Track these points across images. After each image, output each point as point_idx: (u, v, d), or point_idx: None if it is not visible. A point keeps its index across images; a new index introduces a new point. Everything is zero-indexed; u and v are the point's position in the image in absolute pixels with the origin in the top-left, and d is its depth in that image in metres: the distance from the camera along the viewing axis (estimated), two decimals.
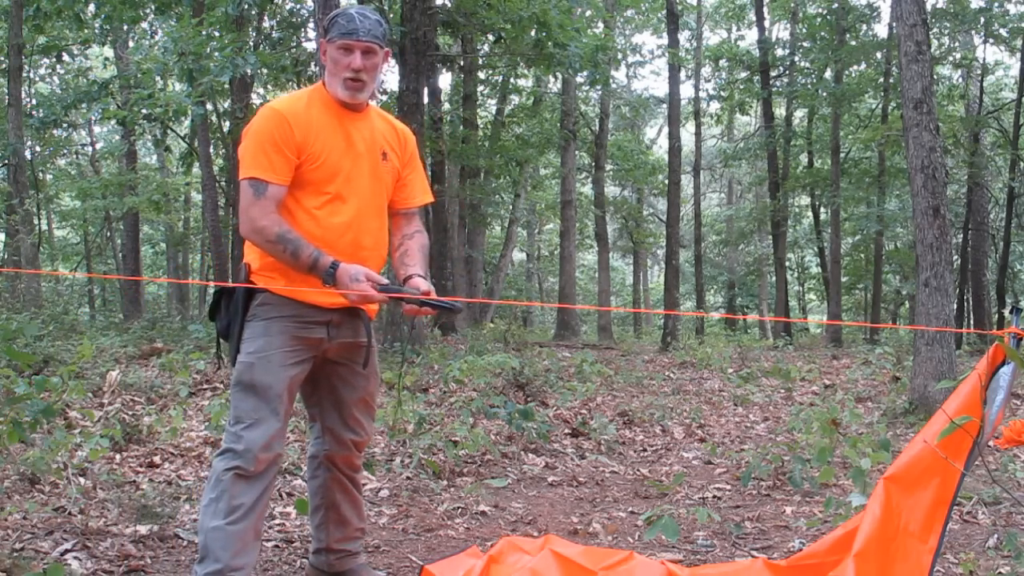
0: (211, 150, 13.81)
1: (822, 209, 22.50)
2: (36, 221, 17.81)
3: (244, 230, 2.48)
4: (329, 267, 2.42)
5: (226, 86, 12.75)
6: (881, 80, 18.75)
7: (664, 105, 22.15)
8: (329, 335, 2.59)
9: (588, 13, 16.04)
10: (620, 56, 21.69)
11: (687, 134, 24.49)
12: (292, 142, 2.47)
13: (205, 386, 6.81)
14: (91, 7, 12.03)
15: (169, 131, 15.13)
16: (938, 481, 2.31)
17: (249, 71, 10.31)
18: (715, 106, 22.60)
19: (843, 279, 22.39)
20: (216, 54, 9.50)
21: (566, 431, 6.08)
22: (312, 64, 13.50)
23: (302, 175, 2.51)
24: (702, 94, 22.44)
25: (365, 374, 2.72)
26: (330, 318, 2.59)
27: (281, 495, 4.07)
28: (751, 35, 23.61)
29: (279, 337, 2.51)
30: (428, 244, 2.78)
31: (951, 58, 19.45)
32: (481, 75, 19.38)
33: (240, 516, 2.42)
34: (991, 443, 2.50)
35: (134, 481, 4.09)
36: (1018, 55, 18.54)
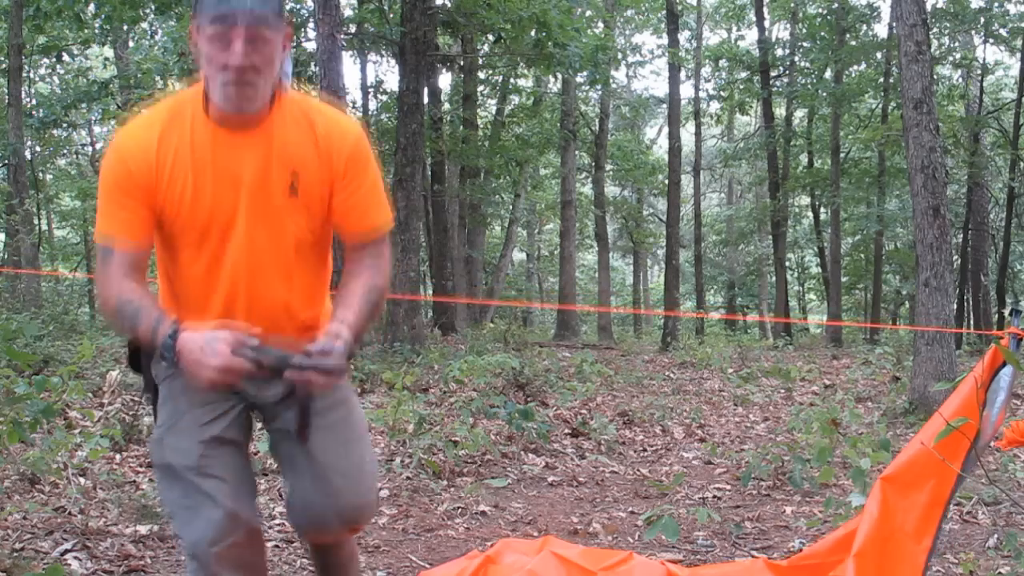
0: None
1: (822, 209, 22.50)
2: (36, 221, 17.80)
3: (98, 304, 1.91)
4: (168, 336, 1.73)
5: None
6: (881, 80, 18.75)
7: (664, 105, 22.15)
8: (254, 388, 1.92)
9: (588, 13, 16.05)
10: (620, 56, 21.67)
11: (687, 134, 24.48)
12: (136, 187, 1.82)
13: None
14: (91, 7, 12.02)
15: None
16: (934, 482, 2.31)
17: None
18: (715, 106, 22.60)
19: (843, 279, 22.39)
20: None
21: (566, 431, 6.08)
22: (312, 64, 13.47)
23: (162, 229, 1.89)
24: (702, 94, 22.44)
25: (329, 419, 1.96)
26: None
27: (281, 495, 4.07)
28: (751, 35, 23.62)
29: (184, 396, 1.90)
30: (380, 284, 1.96)
31: (951, 58, 19.44)
32: (481, 75, 19.38)
33: None
34: (992, 444, 2.50)
35: (134, 481, 4.09)
36: (1018, 55, 18.53)
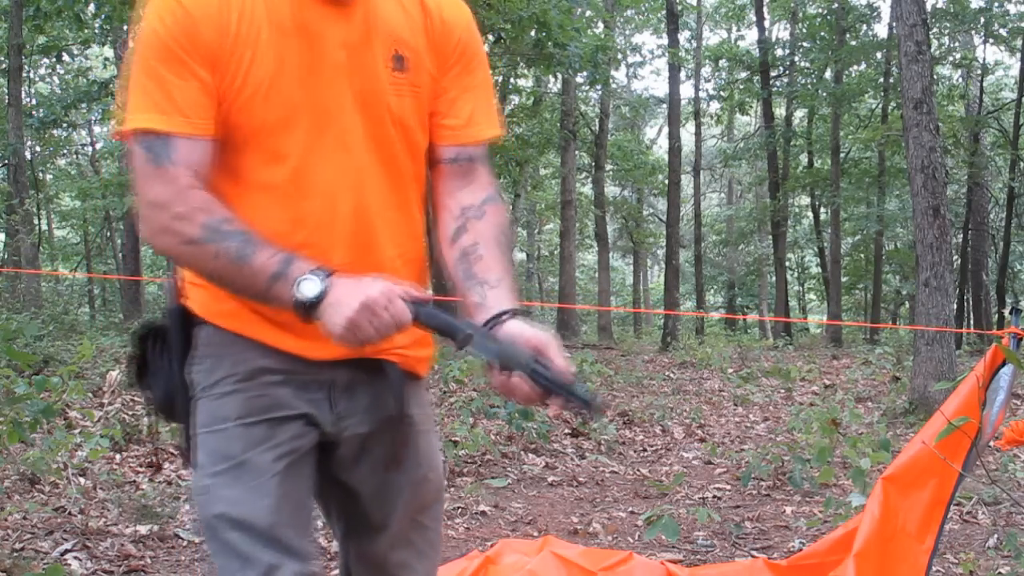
0: None
1: (822, 209, 22.52)
2: (36, 221, 17.81)
3: (146, 232, 1.27)
4: (318, 274, 1.20)
5: None
6: (881, 80, 18.77)
7: (664, 105, 22.16)
8: (332, 409, 1.38)
9: (588, 13, 16.04)
10: (620, 56, 21.68)
11: (687, 134, 24.49)
12: (203, 49, 1.25)
13: None
14: (91, 7, 12.03)
15: None
16: (935, 482, 2.31)
17: None
18: (715, 106, 22.63)
19: (843, 279, 22.40)
20: None
21: (566, 431, 6.08)
22: None
23: (224, 114, 1.28)
24: (702, 94, 22.46)
25: (413, 477, 1.48)
26: (331, 378, 1.37)
27: None
28: (751, 35, 23.65)
29: (244, 427, 1.33)
30: (506, 223, 1.48)
31: (951, 58, 19.47)
32: None
33: None
34: (992, 444, 2.50)
35: (134, 481, 4.09)
36: (1018, 55, 18.55)
